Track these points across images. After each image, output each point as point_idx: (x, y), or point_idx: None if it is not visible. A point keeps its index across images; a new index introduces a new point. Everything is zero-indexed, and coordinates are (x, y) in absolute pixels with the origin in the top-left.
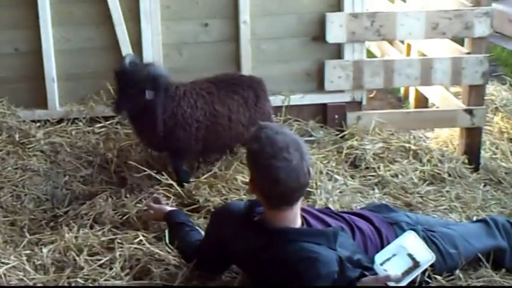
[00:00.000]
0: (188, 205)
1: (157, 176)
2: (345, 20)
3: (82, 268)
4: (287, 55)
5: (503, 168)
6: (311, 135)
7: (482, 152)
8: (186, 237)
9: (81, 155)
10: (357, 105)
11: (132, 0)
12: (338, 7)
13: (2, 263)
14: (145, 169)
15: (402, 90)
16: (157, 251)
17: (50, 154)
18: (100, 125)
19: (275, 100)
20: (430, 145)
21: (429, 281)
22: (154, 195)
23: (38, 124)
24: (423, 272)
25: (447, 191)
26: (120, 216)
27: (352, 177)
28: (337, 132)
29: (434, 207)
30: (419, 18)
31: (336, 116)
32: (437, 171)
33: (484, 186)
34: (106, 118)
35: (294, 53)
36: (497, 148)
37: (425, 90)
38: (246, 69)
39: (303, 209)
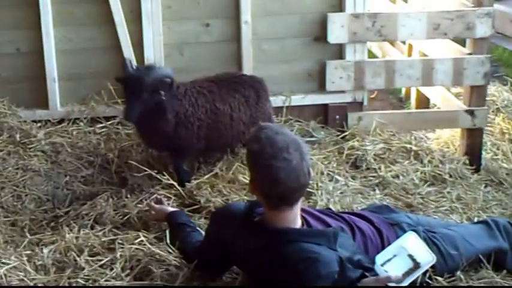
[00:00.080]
0: (189, 205)
1: (158, 176)
2: (347, 20)
3: (83, 268)
4: (288, 55)
5: (504, 169)
6: (312, 136)
7: (483, 152)
8: (187, 238)
9: (82, 155)
10: (358, 105)
11: (134, 0)
12: (339, 7)
13: (3, 263)
14: (146, 169)
15: (403, 90)
16: (158, 251)
17: (51, 154)
18: (101, 125)
19: (276, 100)
20: (431, 146)
21: (430, 282)
22: (155, 195)
23: (39, 124)
24: (424, 273)
25: (448, 192)
26: (120, 217)
27: (353, 178)
28: (338, 133)
29: (435, 208)
30: (420, 18)
31: (337, 117)
32: (438, 172)
33: (485, 187)
34: (107, 118)
35: (295, 53)
36: (498, 149)
37: (426, 90)
38: (248, 70)
39: (303, 210)
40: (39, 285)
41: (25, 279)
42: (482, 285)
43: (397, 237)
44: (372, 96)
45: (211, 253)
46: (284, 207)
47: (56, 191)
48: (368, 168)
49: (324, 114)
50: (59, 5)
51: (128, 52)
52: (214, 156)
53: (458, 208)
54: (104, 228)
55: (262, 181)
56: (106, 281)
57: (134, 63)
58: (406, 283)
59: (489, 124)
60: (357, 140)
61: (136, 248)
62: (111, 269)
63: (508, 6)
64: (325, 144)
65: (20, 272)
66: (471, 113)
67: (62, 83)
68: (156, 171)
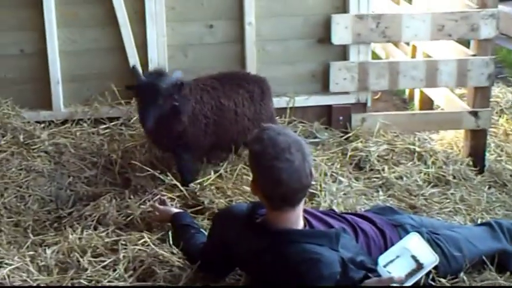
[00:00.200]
0: (192, 206)
1: (161, 177)
2: (351, 21)
3: (86, 269)
4: (292, 56)
5: (508, 170)
6: (315, 137)
7: (487, 154)
8: (191, 240)
9: (86, 156)
10: (361, 106)
11: (138, 1)
12: (343, 9)
13: (6, 264)
14: (149, 169)
15: (407, 92)
16: (161, 252)
17: (54, 155)
18: (104, 126)
19: (280, 101)
20: (435, 147)
21: (433, 283)
22: (159, 196)
23: (42, 125)
24: (427, 275)
25: (452, 194)
26: (124, 218)
27: (357, 179)
28: (342, 134)
29: (438, 209)
30: (425, 20)
31: (341, 118)
32: (442, 173)
33: (489, 188)
34: (110, 119)
35: (299, 54)
36: (502, 150)
37: (430, 92)
38: (251, 71)
39: (305, 211)
40: (42, 285)
41: (28, 279)
42: (485, 286)
43: (400, 238)
44: (376, 97)
45: (215, 254)
46: (286, 208)
47: (59, 191)
48: (371, 170)
49: (328, 116)
50: (62, 6)
51: (132, 53)
52: (218, 156)
53: (462, 209)
54: (107, 229)
55: (265, 182)
56: (109, 281)
57: (139, 67)
58: (409, 284)
59: (493, 125)
60: (361, 141)
61: (140, 249)
62: (114, 270)
63: None
64: (329, 146)
65: (23, 272)
66: (475, 114)
67: (65, 84)
68: (159, 171)
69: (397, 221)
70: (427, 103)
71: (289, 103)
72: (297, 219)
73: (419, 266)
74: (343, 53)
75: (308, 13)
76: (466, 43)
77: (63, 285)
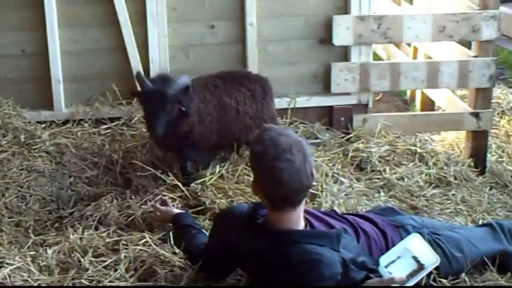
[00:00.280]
0: (194, 207)
1: (163, 177)
2: (352, 22)
3: (87, 269)
4: (293, 57)
5: (509, 171)
6: (317, 138)
7: (488, 155)
8: (193, 240)
9: (87, 156)
10: (363, 107)
11: (139, 2)
12: (345, 10)
13: (7, 263)
14: (151, 169)
15: (408, 93)
16: (162, 252)
17: (56, 155)
18: (105, 126)
19: (281, 102)
20: (436, 148)
21: (434, 283)
22: (160, 196)
23: (43, 125)
24: (428, 275)
25: (453, 194)
26: (125, 218)
27: (358, 180)
28: (343, 135)
29: (440, 210)
30: (426, 21)
31: (342, 119)
32: (443, 174)
33: (490, 189)
34: (111, 119)
35: (300, 55)
36: (503, 151)
37: (431, 93)
38: (253, 71)
39: (306, 211)
40: (43, 285)
41: (29, 279)
42: (486, 287)
43: (402, 239)
44: (377, 98)
45: (216, 255)
46: (287, 209)
47: (60, 191)
48: (373, 170)
49: (329, 116)
50: (64, 6)
51: (133, 53)
52: (219, 154)
53: (463, 210)
54: (108, 229)
55: (266, 182)
56: (110, 282)
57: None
58: (410, 284)
59: (494, 126)
60: (362, 142)
61: (141, 249)
62: (115, 270)
63: None
64: (330, 146)
65: (24, 272)
66: (476, 115)
67: (66, 84)
68: (160, 171)
69: (399, 221)
70: (429, 104)
71: (290, 104)
72: (297, 220)
73: (421, 267)
74: (344, 54)
75: (309, 14)
76: (467, 44)
77: (64, 285)
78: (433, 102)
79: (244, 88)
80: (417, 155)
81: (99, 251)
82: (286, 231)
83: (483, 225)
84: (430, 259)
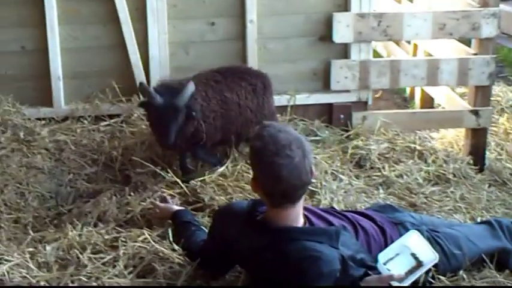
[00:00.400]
0: (193, 203)
1: (162, 173)
2: (352, 20)
3: (85, 266)
4: (293, 55)
5: (508, 169)
6: (316, 135)
7: (487, 153)
8: (192, 237)
9: (86, 153)
10: (362, 105)
11: None
12: (345, 7)
13: (6, 260)
14: (150, 165)
15: (408, 90)
16: (161, 249)
17: (55, 152)
18: (105, 123)
19: (281, 99)
20: (435, 146)
21: (432, 281)
22: (159, 193)
23: (43, 122)
24: (427, 272)
25: (452, 192)
26: (124, 215)
27: (357, 177)
28: (343, 132)
29: (438, 207)
30: (426, 18)
31: (342, 116)
32: (442, 171)
33: (489, 187)
34: (111, 116)
35: (300, 52)
36: (502, 149)
37: (431, 90)
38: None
39: (305, 208)
40: (42, 282)
41: (27, 276)
42: (484, 284)
43: (401, 236)
44: (377, 95)
45: (215, 252)
46: (286, 205)
47: (59, 188)
48: (372, 168)
49: (329, 114)
50: (64, 3)
51: (133, 50)
52: (220, 150)
53: (462, 208)
54: (107, 226)
55: (265, 178)
56: (109, 278)
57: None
58: (408, 282)
59: (493, 124)
60: (361, 140)
61: (140, 246)
62: (114, 267)
63: None
64: (330, 144)
65: (23, 269)
66: (476, 113)
67: (66, 81)
68: (160, 168)
69: (397, 218)
70: (428, 102)
71: (290, 101)
72: (297, 217)
73: (419, 264)
74: (344, 51)
75: (310, 11)
76: (467, 42)
77: (63, 282)
78: (432, 100)
79: (245, 82)
80: (416, 153)
81: (98, 248)
82: (286, 228)
83: (482, 222)
84: (429, 256)
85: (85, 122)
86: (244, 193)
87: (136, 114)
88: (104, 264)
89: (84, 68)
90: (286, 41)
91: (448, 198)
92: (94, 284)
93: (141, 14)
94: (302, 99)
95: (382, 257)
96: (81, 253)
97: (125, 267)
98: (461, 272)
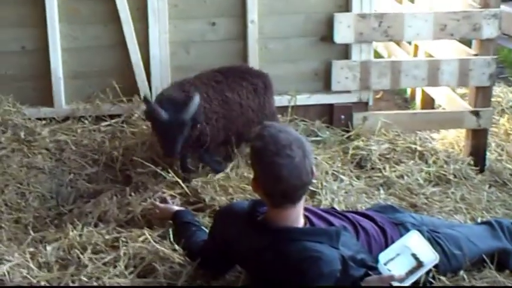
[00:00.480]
0: (194, 203)
1: (163, 173)
2: (353, 20)
3: (86, 266)
4: (294, 55)
5: (509, 170)
6: (317, 135)
7: (487, 153)
8: (192, 237)
9: (87, 153)
10: (363, 105)
11: None
12: (346, 7)
13: (6, 260)
14: (151, 165)
15: (409, 91)
16: (162, 249)
17: (55, 152)
18: (106, 123)
19: (282, 100)
20: (436, 146)
21: (433, 281)
22: (159, 193)
23: (43, 122)
24: (427, 273)
25: (452, 192)
26: (124, 215)
27: (358, 177)
28: (343, 133)
29: (439, 208)
30: (427, 19)
31: (342, 117)
32: (443, 172)
33: (489, 187)
34: (112, 116)
35: (301, 52)
36: (502, 150)
37: (431, 91)
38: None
39: (306, 209)
40: (42, 282)
41: (28, 276)
42: (485, 284)
43: (401, 236)
44: (378, 96)
45: (215, 252)
46: (287, 205)
47: (60, 188)
48: (373, 168)
49: (329, 114)
50: (64, 3)
51: (134, 50)
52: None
53: (463, 208)
54: (108, 226)
55: (265, 178)
56: (109, 278)
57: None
58: (409, 282)
59: (494, 125)
60: (362, 140)
61: (140, 246)
62: (115, 267)
63: None
64: (330, 144)
65: (23, 269)
66: (476, 113)
67: (67, 81)
68: (160, 168)
69: (398, 219)
70: (429, 102)
71: (290, 101)
72: (297, 217)
73: (420, 264)
74: (345, 51)
75: (310, 11)
76: (468, 43)
77: (64, 282)
78: (433, 101)
79: (246, 82)
80: (417, 153)
81: (98, 248)
82: (286, 229)
83: (482, 223)
84: (429, 257)
85: (86, 122)
86: (245, 194)
87: (137, 114)
88: (104, 264)
89: (84, 68)
90: (287, 41)
91: (448, 199)
92: (95, 284)
93: (142, 14)
94: (303, 99)
95: (383, 257)
96: (81, 253)
97: (126, 267)
98: (461, 272)
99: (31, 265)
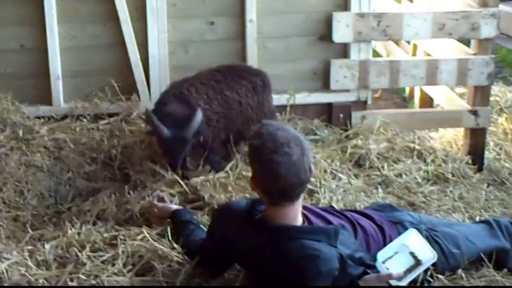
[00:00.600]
0: (192, 201)
1: (161, 171)
2: (352, 19)
3: (84, 264)
4: (293, 54)
5: (507, 169)
6: (316, 134)
7: (486, 152)
8: (191, 236)
9: (85, 152)
10: (362, 104)
11: None
12: (345, 7)
13: (4, 258)
14: (149, 163)
15: (407, 90)
16: (160, 247)
17: (54, 150)
18: (104, 121)
19: (280, 99)
20: (435, 145)
21: (431, 280)
22: (157, 192)
23: (42, 120)
24: (425, 271)
25: (450, 191)
26: (123, 213)
27: (356, 176)
28: (342, 132)
29: (437, 206)
30: (426, 18)
31: (341, 115)
32: (441, 171)
33: (487, 186)
34: (110, 115)
35: (300, 52)
36: (501, 149)
37: (430, 90)
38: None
39: (304, 207)
40: (41, 280)
41: (26, 274)
42: (483, 283)
43: (399, 235)
44: (376, 95)
45: (214, 250)
46: (285, 203)
47: (58, 186)
48: (371, 167)
49: (328, 113)
50: (63, 2)
51: (132, 49)
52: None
53: (461, 207)
54: (106, 224)
55: (264, 176)
56: (108, 276)
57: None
58: (407, 280)
59: (492, 124)
60: (361, 139)
61: (139, 244)
62: (113, 265)
63: None
64: (329, 143)
65: (22, 267)
66: (474, 113)
67: (65, 79)
68: (159, 166)
69: (396, 218)
70: (427, 101)
71: (289, 100)
72: (295, 215)
73: (418, 263)
74: (344, 51)
75: (309, 11)
76: (466, 42)
77: (62, 280)
78: (431, 100)
79: (245, 81)
80: (415, 152)
81: (96, 246)
82: (284, 227)
83: (480, 222)
84: (428, 255)
85: (84, 120)
86: (244, 192)
87: (136, 113)
88: (103, 262)
89: (83, 67)
90: (286, 41)
91: (446, 198)
92: (93, 282)
93: (140, 13)
94: (301, 98)
95: (381, 255)
96: (80, 251)
97: (124, 265)
98: (459, 271)
99: (29, 263)
